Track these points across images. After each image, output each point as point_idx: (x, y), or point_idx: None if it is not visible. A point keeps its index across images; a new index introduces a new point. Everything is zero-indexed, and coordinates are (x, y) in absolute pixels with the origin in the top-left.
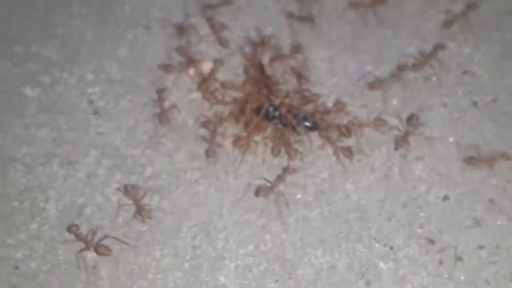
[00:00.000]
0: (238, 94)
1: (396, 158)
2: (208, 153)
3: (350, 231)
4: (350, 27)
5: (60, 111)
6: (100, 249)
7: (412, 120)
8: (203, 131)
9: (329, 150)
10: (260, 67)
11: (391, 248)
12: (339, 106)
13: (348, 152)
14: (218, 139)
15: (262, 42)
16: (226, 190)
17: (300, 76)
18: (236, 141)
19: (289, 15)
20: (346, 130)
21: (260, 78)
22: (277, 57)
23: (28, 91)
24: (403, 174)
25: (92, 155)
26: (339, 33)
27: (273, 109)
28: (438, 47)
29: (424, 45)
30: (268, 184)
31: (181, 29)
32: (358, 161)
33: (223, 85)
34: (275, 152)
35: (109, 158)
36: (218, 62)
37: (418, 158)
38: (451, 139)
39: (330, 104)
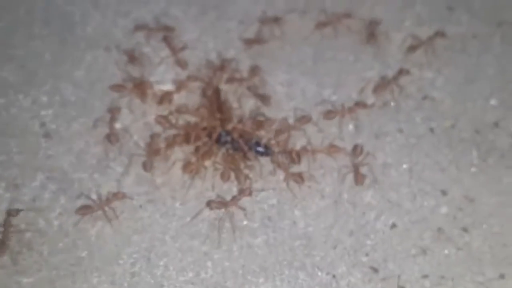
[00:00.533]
0: (192, 118)
1: (347, 184)
2: (145, 166)
3: (293, 259)
4: (312, 50)
5: (12, 134)
6: None
7: (356, 151)
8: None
9: (280, 176)
10: (216, 91)
11: (334, 276)
12: (304, 120)
13: (299, 178)
14: (166, 163)
15: (221, 66)
16: (171, 216)
17: (261, 96)
18: (186, 166)
19: (246, 42)
20: (297, 157)
21: (215, 102)
22: (233, 79)
23: None
24: (353, 200)
25: (39, 179)
26: (301, 56)
27: (226, 133)
28: (402, 72)
29: (385, 70)
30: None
31: (132, 57)
32: (308, 187)
33: (178, 110)
34: (224, 177)
35: (55, 182)
36: (178, 85)
37: (369, 184)
38: (404, 166)
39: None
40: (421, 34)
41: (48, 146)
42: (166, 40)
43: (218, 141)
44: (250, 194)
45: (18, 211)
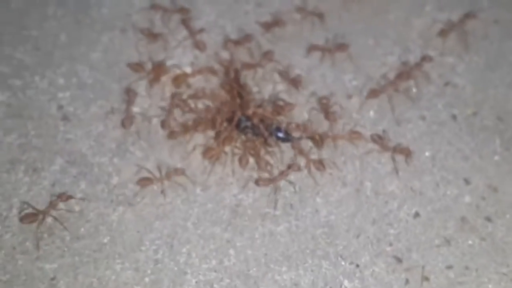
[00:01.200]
0: (210, 102)
1: (369, 172)
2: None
3: (316, 247)
4: (331, 35)
5: (29, 116)
6: None
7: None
8: (172, 142)
9: (301, 163)
10: (236, 75)
11: (357, 266)
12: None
13: (320, 165)
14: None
15: (238, 42)
16: (192, 202)
17: (292, 80)
18: (207, 152)
19: (264, 25)
20: (320, 139)
21: (234, 86)
22: (250, 65)
23: None
24: (375, 189)
25: (58, 163)
26: (320, 41)
27: (245, 119)
28: (425, 58)
29: (406, 55)
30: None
31: (153, 36)
32: (329, 174)
33: (195, 94)
34: (243, 163)
35: (75, 166)
36: (197, 70)
37: (392, 173)
38: (427, 154)
39: (306, 115)
40: (442, 19)
41: (66, 129)
42: (185, 22)
43: (238, 126)
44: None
45: (68, 197)
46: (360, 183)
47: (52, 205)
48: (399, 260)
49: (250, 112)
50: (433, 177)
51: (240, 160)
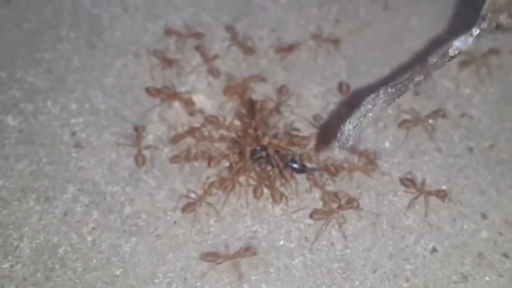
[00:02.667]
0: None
1: (385, 205)
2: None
3: (332, 283)
4: (346, 63)
5: (41, 143)
6: None
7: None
8: (188, 169)
9: (316, 194)
10: (250, 104)
11: None
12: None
13: (335, 197)
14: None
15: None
16: (206, 233)
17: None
18: (221, 182)
19: (278, 50)
20: (335, 170)
21: (249, 115)
22: (264, 109)
23: (10, 120)
24: (392, 223)
25: (70, 191)
26: (335, 68)
27: (260, 149)
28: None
29: (422, 86)
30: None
31: (167, 61)
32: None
33: (211, 121)
34: (257, 194)
35: (87, 195)
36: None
37: (408, 206)
38: (443, 187)
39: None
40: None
41: (79, 156)
42: (199, 48)
43: (252, 156)
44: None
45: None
46: (376, 216)
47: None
48: None
49: (265, 142)
50: (450, 211)
51: (254, 191)
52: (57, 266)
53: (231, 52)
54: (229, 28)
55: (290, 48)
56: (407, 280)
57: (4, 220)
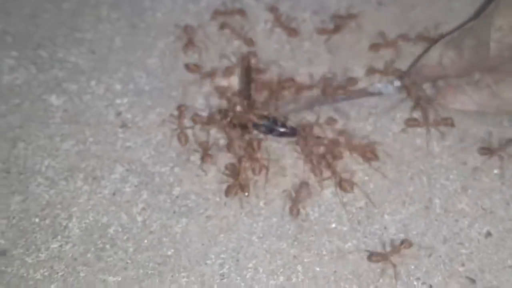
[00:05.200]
0: None
1: (438, 189)
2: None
3: (387, 266)
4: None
5: (87, 122)
6: None
7: None
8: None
9: (366, 177)
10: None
11: (430, 286)
12: None
13: (349, 185)
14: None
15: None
16: (257, 215)
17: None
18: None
19: (321, 31)
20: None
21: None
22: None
23: (54, 99)
24: (445, 206)
25: (118, 171)
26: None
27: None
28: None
29: None
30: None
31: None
32: (396, 190)
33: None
34: (317, 172)
35: (135, 175)
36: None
37: (461, 190)
38: (495, 171)
39: (369, 127)
40: None
41: (125, 136)
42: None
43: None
44: (410, 245)
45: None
46: (429, 200)
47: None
48: (472, 281)
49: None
50: (502, 195)
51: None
52: (107, 246)
53: (274, 34)
54: (273, 9)
55: (336, 29)
56: (463, 265)
57: (51, 199)
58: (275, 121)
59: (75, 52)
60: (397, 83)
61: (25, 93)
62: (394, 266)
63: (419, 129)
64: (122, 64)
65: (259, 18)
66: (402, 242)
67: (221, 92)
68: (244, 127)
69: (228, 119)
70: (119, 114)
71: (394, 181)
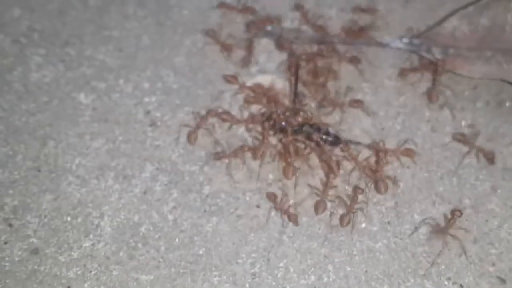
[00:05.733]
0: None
1: (467, 189)
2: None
3: (418, 266)
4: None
5: (116, 121)
6: None
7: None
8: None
9: (396, 177)
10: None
11: (461, 286)
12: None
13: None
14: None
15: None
16: None
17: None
18: (284, 170)
19: (348, 33)
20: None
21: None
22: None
23: (82, 97)
24: (475, 206)
25: (148, 170)
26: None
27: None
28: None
29: None
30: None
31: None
32: (426, 189)
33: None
34: (335, 170)
35: (165, 174)
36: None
37: (491, 190)
38: None
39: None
40: None
41: (154, 135)
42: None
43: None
44: (461, 214)
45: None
46: (459, 200)
47: (450, 223)
48: (502, 281)
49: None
50: None
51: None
52: (139, 245)
53: (302, 32)
54: (299, 7)
55: (361, 30)
56: (493, 264)
57: (83, 198)
58: (318, 129)
59: (103, 50)
60: (406, 40)
61: (54, 91)
62: (456, 238)
63: (447, 128)
64: (150, 62)
65: (285, 16)
66: (453, 213)
67: (259, 92)
68: (283, 131)
69: (271, 122)
70: (148, 112)
71: (424, 180)
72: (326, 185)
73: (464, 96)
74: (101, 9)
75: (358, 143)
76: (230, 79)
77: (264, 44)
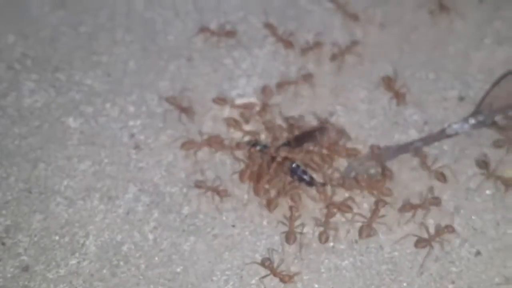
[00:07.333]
0: None
1: (432, 210)
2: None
3: (381, 283)
4: (392, 67)
5: (102, 144)
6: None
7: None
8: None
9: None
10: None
11: None
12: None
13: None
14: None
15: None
16: (260, 234)
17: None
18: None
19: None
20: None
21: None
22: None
23: (71, 121)
24: (437, 227)
25: (132, 191)
26: (382, 73)
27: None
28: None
29: (466, 90)
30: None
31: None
32: (392, 210)
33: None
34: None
35: (147, 195)
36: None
37: (454, 210)
38: (487, 192)
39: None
40: (500, 54)
41: (138, 158)
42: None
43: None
44: (453, 230)
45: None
46: (422, 219)
47: (439, 233)
48: None
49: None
50: (494, 215)
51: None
52: (121, 263)
53: (279, 54)
54: (268, 25)
55: (339, 53)
56: (453, 282)
57: (70, 218)
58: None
59: (92, 75)
60: (472, 120)
61: (45, 115)
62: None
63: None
64: (136, 86)
65: (266, 39)
66: (446, 227)
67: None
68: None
69: (270, 155)
70: (132, 135)
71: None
72: (291, 218)
73: (436, 119)
74: (91, 36)
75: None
76: (219, 101)
77: (244, 67)
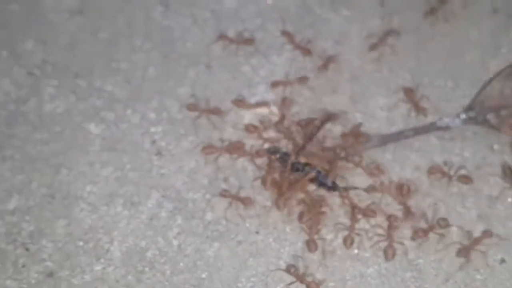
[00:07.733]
0: None
1: (454, 217)
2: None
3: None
4: (410, 75)
5: (124, 150)
6: None
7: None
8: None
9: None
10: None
11: None
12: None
13: (371, 212)
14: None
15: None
16: (283, 240)
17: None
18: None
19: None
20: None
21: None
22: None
23: (92, 127)
24: (461, 234)
25: (154, 197)
26: (400, 80)
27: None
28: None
29: None
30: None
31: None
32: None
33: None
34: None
35: (170, 201)
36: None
37: (478, 218)
38: (509, 199)
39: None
40: None
41: (160, 164)
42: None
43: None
44: (491, 235)
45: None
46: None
47: (477, 241)
48: None
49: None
50: None
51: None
52: (146, 269)
53: (297, 62)
54: (285, 33)
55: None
56: None
57: (94, 224)
58: (318, 172)
59: (112, 82)
60: (463, 115)
61: (66, 121)
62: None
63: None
64: (156, 93)
65: (283, 47)
66: (483, 233)
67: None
68: (283, 161)
69: (290, 161)
70: (153, 142)
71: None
72: (311, 227)
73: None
74: (110, 42)
75: (355, 188)
76: (238, 103)
77: (263, 75)
